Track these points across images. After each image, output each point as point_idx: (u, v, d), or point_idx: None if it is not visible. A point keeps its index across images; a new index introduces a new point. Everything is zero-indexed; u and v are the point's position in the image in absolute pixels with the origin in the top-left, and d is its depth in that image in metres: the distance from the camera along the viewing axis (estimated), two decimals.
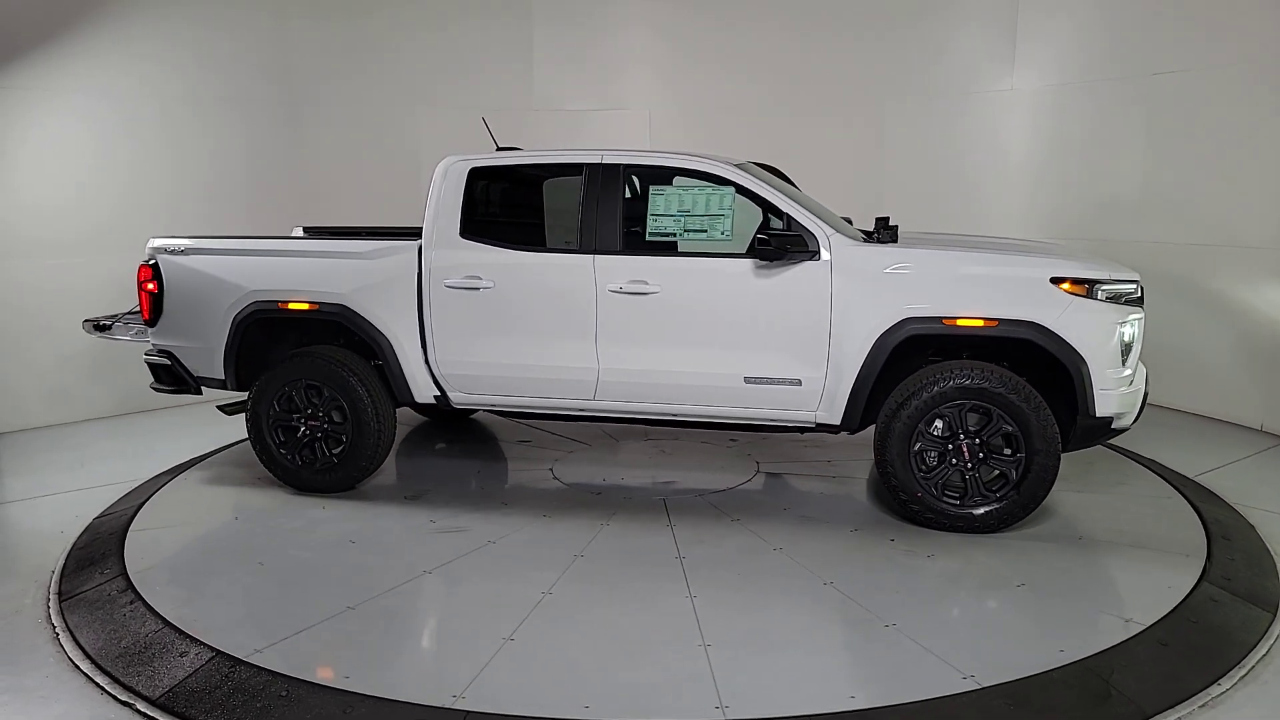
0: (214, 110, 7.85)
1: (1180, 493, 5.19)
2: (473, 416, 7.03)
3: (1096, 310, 4.45)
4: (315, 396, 5.20)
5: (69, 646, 3.69)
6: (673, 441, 6.32)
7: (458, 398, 5.21)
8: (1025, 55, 8.02)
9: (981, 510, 4.56)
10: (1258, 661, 3.44)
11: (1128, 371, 4.55)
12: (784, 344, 4.70)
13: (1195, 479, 5.49)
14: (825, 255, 4.64)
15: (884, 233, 4.80)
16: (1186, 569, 4.15)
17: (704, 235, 4.79)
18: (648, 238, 4.86)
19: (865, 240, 4.78)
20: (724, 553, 4.42)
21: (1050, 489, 4.54)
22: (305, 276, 5.23)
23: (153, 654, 3.57)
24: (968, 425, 4.54)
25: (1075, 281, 4.47)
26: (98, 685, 3.41)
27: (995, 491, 4.56)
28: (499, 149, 5.55)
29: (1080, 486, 5.24)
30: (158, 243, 5.47)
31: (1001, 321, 4.47)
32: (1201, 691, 3.23)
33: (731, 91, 8.72)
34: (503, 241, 5.05)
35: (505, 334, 5.01)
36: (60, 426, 7.11)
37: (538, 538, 4.66)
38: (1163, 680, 3.30)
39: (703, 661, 3.41)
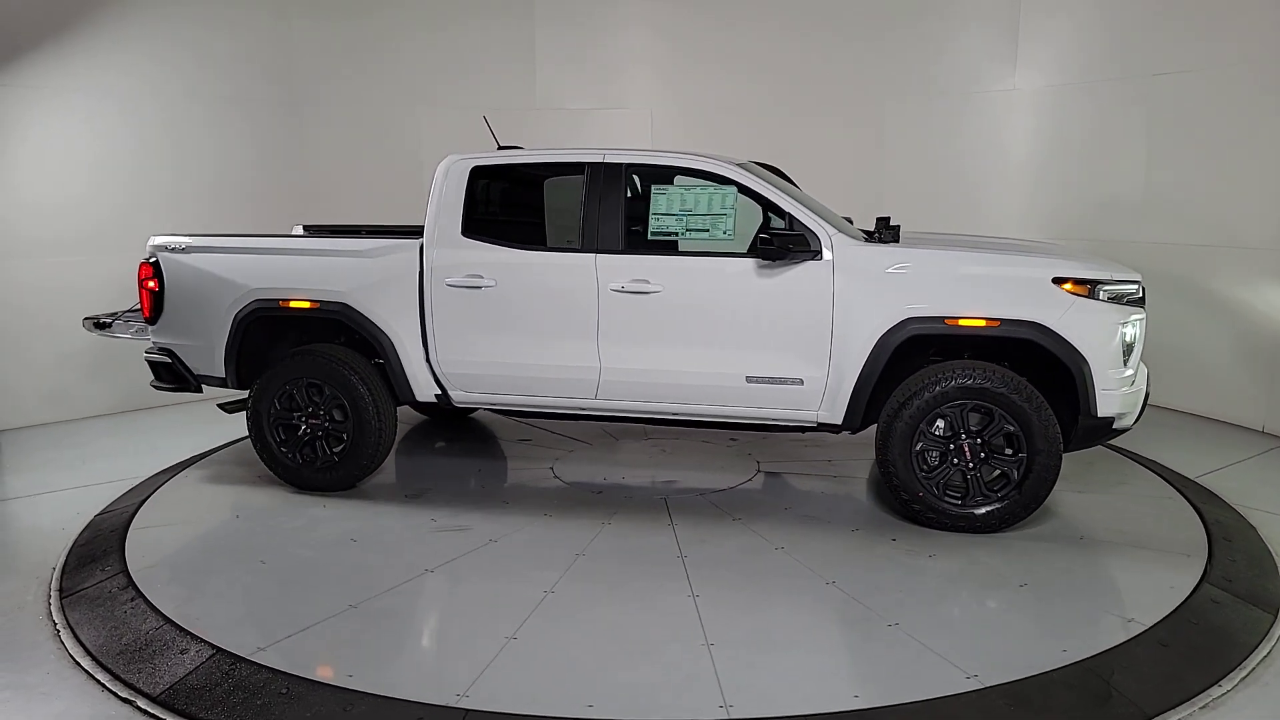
0: (215, 109, 7.84)
1: (1181, 493, 5.19)
2: (472, 415, 7.03)
3: (1098, 310, 4.45)
4: (316, 395, 5.20)
5: (70, 643, 3.68)
6: (673, 441, 6.32)
7: (459, 396, 5.21)
8: (1026, 55, 8.03)
9: (983, 510, 4.56)
10: (1259, 663, 3.44)
11: (1129, 372, 4.55)
12: (786, 343, 4.70)
13: (1196, 480, 5.49)
14: (827, 255, 4.64)
15: (886, 232, 4.80)
16: (1187, 569, 4.15)
17: (706, 234, 4.79)
18: (650, 237, 4.86)
19: (866, 240, 4.79)
20: (726, 552, 4.42)
21: (1052, 489, 4.54)
22: (306, 275, 5.22)
23: (153, 651, 3.56)
24: (969, 425, 4.54)
25: (1077, 282, 4.47)
26: (98, 682, 3.41)
27: (997, 491, 4.57)
28: (500, 148, 5.55)
29: (1081, 487, 5.25)
30: (158, 241, 5.47)
31: (1003, 321, 4.47)
32: (1202, 693, 3.23)
33: (732, 91, 8.72)
34: (504, 240, 5.05)
35: (507, 333, 5.00)
36: (60, 424, 7.10)
37: (539, 537, 4.66)
38: (1163, 681, 3.30)
39: (706, 661, 3.41)
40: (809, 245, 4.63)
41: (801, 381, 4.70)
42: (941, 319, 4.53)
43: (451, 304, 5.04)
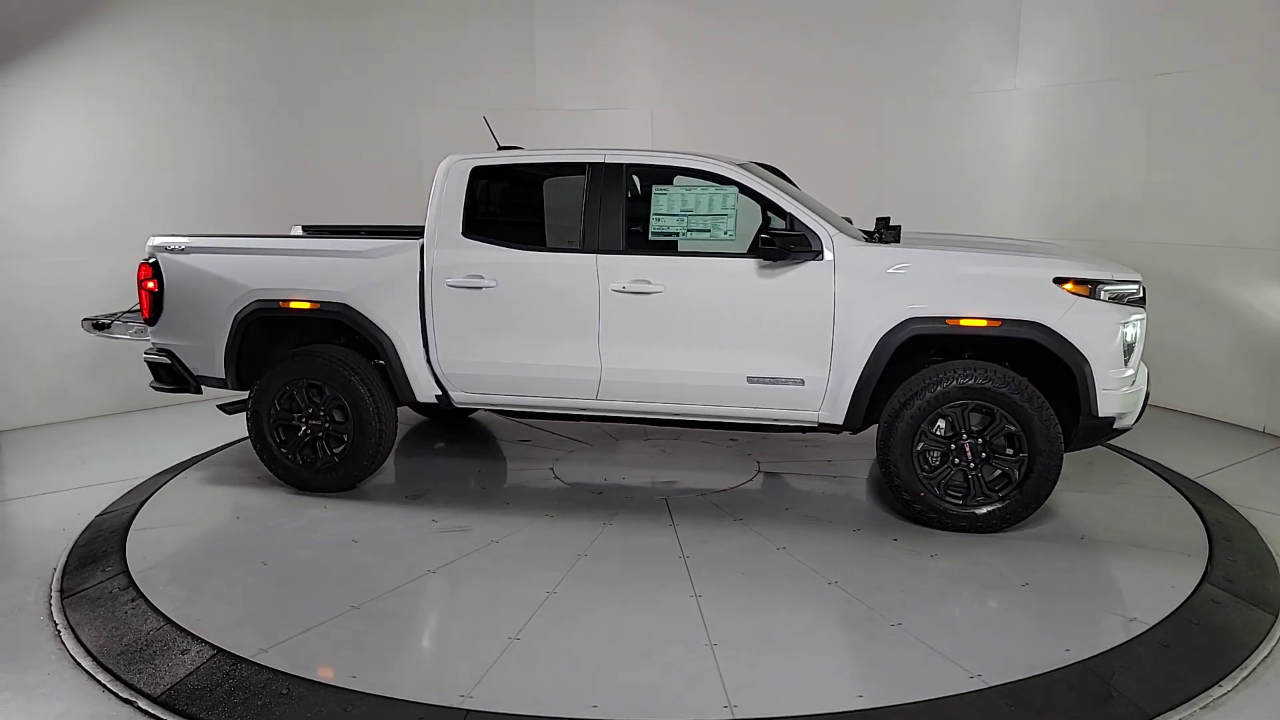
0: (215, 110, 7.84)
1: (1181, 493, 5.19)
2: (471, 416, 7.03)
3: (1099, 310, 4.46)
4: (316, 396, 5.19)
5: (70, 644, 3.68)
6: (673, 441, 6.32)
7: (460, 397, 5.21)
8: (1026, 55, 8.03)
9: (984, 510, 4.56)
10: (1259, 663, 3.44)
11: (1130, 371, 4.56)
12: (787, 344, 4.70)
13: (1197, 480, 5.49)
14: (829, 255, 4.64)
15: (887, 233, 4.80)
16: (1188, 569, 4.15)
17: (707, 235, 4.79)
18: (650, 237, 4.86)
19: (866, 240, 4.79)
20: (727, 552, 4.42)
21: (1053, 489, 4.55)
22: (307, 275, 5.21)
23: (154, 652, 3.56)
24: (970, 425, 4.54)
25: (1078, 282, 4.47)
26: (99, 683, 3.40)
27: (998, 491, 4.57)
28: (500, 148, 5.54)
29: (1081, 486, 5.25)
30: (158, 241, 5.46)
31: (1004, 321, 4.47)
32: (1203, 693, 3.23)
33: (732, 91, 8.72)
34: (505, 241, 5.05)
35: (508, 333, 5.00)
36: (60, 424, 7.10)
37: (540, 537, 4.65)
38: (1164, 681, 3.30)
39: (709, 661, 3.41)
40: (810, 245, 4.63)
41: (803, 382, 4.70)
42: (943, 319, 4.53)
43: (452, 304, 5.04)
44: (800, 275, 4.65)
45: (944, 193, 8.36)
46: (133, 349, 6.11)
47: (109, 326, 5.85)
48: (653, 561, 4.33)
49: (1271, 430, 6.55)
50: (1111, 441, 5.30)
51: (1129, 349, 4.52)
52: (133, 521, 4.89)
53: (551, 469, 5.75)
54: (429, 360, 5.14)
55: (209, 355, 5.36)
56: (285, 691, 3.25)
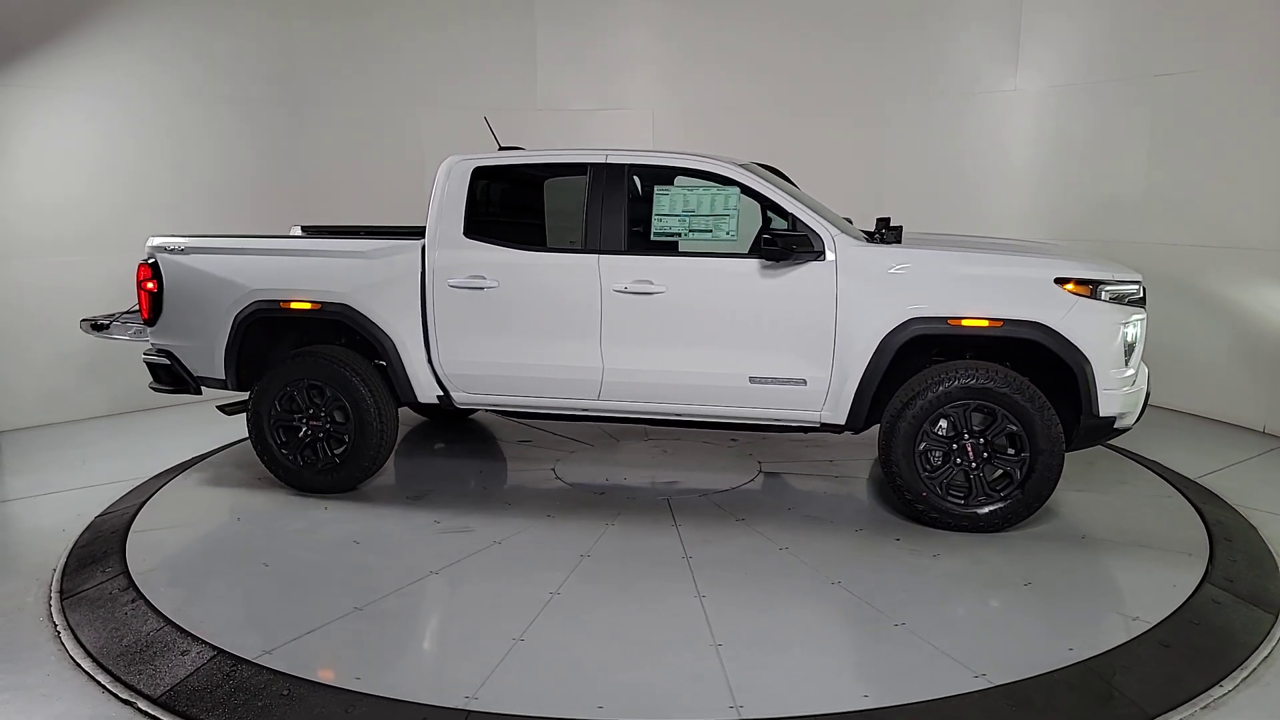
0: (215, 110, 7.83)
1: (1182, 493, 5.20)
2: (471, 416, 7.02)
3: (1100, 311, 4.46)
4: (317, 396, 5.19)
5: (70, 645, 3.67)
6: (674, 441, 6.32)
7: (461, 397, 5.20)
8: (1027, 56, 8.03)
9: (986, 509, 4.56)
10: (1260, 663, 3.44)
11: (1131, 371, 4.56)
12: (789, 344, 4.70)
13: (1197, 480, 5.49)
14: (830, 255, 4.64)
15: (888, 233, 4.81)
16: (1189, 569, 4.15)
17: (708, 235, 4.79)
18: (652, 238, 4.85)
19: (868, 241, 4.79)
20: (730, 552, 4.42)
21: (1054, 488, 4.55)
22: (307, 276, 5.21)
23: (154, 653, 3.55)
24: (972, 425, 4.54)
25: (1079, 282, 4.48)
26: (99, 683, 3.40)
27: (1000, 491, 4.57)
28: (501, 149, 5.54)
29: (1082, 486, 5.25)
30: (157, 241, 5.45)
31: (1006, 322, 4.47)
32: (1204, 693, 3.23)
33: (732, 91, 8.72)
34: (507, 241, 5.04)
35: (509, 334, 5.00)
36: (60, 425, 7.08)
37: (543, 538, 4.65)
38: (1165, 681, 3.30)
39: (714, 661, 3.41)
40: (812, 246, 4.63)
41: (805, 382, 4.70)
42: (944, 319, 4.53)
43: (453, 305, 5.03)
44: (802, 276, 4.65)
45: (944, 193, 8.36)
46: (132, 350, 6.10)
47: (108, 327, 5.84)
48: (656, 562, 4.32)
49: (1271, 430, 6.56)
50: (1112, 441, 5.31)
51: (1130, 349, 4.52)
52: (133, 522, 4.88)
53: (553, 469, 5.75)
54: (430, 361, 5.14)
55: (209, 356, 5.35)
56: (286, 693, 3.24)
